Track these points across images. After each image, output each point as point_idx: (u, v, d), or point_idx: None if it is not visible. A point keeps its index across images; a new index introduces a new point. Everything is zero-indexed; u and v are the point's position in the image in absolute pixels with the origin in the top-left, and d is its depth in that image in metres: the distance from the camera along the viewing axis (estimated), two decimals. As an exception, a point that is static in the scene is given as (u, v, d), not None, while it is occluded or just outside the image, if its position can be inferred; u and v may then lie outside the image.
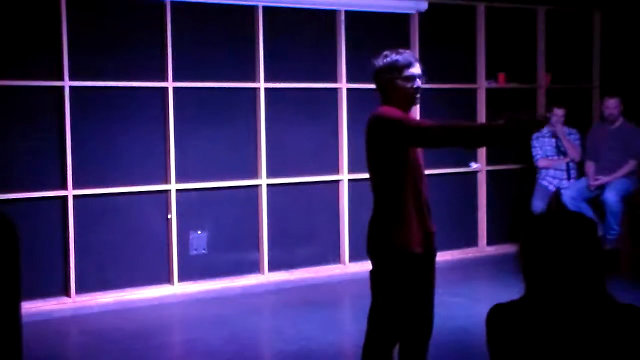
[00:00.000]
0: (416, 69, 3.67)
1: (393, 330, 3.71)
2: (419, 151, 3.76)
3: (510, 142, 3.61)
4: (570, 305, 2.10)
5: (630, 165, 7.24)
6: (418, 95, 3.71)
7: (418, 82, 3.68)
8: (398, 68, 3.64)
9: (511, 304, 2.21)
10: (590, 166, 7.43)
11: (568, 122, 7.74)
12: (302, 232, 7.15)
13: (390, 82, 3.65)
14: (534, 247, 2.15)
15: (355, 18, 7.27)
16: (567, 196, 7.35)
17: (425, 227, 3.74)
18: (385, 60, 3.66)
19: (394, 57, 3.66)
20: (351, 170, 7.15)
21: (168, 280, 6.59)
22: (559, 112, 7.64)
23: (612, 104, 7.42)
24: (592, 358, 2.07)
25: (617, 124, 7.43)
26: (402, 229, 3.63)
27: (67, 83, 6.13)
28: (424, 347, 3.75)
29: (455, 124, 3.67)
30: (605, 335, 2.08)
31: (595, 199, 7.27)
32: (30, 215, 6.04)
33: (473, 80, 7.99)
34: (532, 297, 2.15)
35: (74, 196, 6.20)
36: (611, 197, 7.03)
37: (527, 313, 2.14)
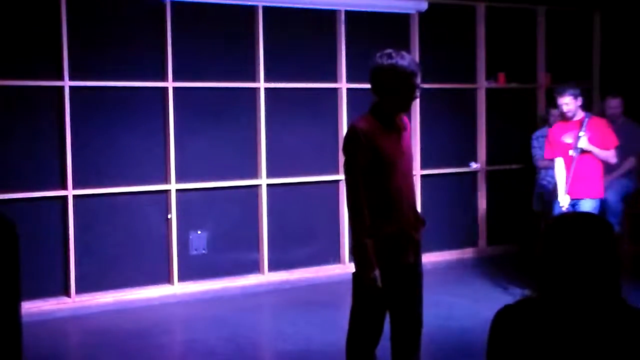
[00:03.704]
0: (419, 79, 3.61)
1: (369, 331, 3.70)
2: (406, 157, 3.69)
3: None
4: (584, 309, 2.08)
5: (629, 162, 7.24)
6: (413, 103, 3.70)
7: (417, 92, 3.65)
8: (404, 75, 3.55)
9: (520, 306, 2.19)
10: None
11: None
12: (302, 232, 7.15)
13: (392, 86, 3.57)
14: (554, 250, 2.13)
15: (355, 18, 7.27)
16: None
17: (402, 232, 3.64)
18: (390, 62, 3.55)
19: (399, 61, 3.55)
20: (351, 170, 7.15)
21: (168, 280, 6.59)
22: (555, 113, 7.64)
23: (614, 104, 7.44)
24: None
25: (619, 123, 7.44)
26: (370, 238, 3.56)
27: (67, 83, 6.13)
28: (413, 347, 3.73)
29: (358, 214, 3.53)
30: (616, 339, 2.06)
31: None
32: (30, 215, 6.04)
33: (473, 80, 7.99)
34: (545, 300, 2.13)
35: (74, 196, 6.20)
36: (611, 197, 7.03)
37: (538, 315, 2.12)
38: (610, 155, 6.25)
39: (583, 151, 6.11)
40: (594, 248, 2.10)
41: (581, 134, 6.10)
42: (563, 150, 6.22)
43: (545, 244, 2.15)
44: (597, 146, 6.15)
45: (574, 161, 6.10)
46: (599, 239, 2.11)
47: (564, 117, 6.30)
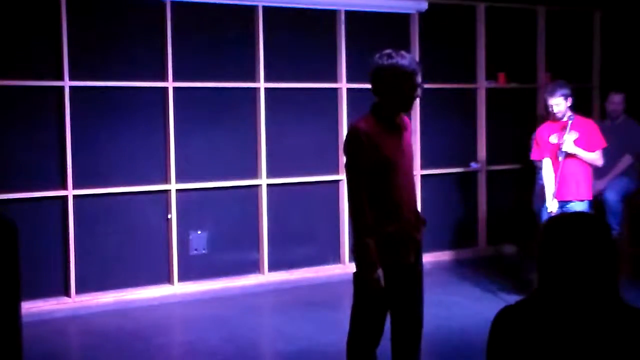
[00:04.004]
0: (420, 78, 3.61)
1: (370, 331, 3.70)
2: (407, 157, 3.69)
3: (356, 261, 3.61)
4: (583, 308, 2.08)
5: (626, 160, 7.20)
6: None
7: (419, 92, 3.65)
8: (405, 74, 3.55)
9: (520, 306, 2.19)
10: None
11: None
12: (302, 232, 7.15)
13: (393, 85, 3.56)
14: (550, 249, 2.13)
15: (355, 18, 7.27)
16: None
17: (403, 232, 3.64)
18: (390, 61, 3.55)
19: (400, 61, 3.55)
20: (351, 170, 7.14)
21: (168, 280, 6.59)
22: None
23: (617, 100, 7.42)
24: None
25: (619, 120, 7.43)
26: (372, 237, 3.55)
27: (67, 83, 6.13)
28: (413, 347, 3.72)
29: (361, 214, 3.52)
30: (615, 339, 2.06)
31: (595, 199, 7.25)
32: (30, 215, 6.04)
33: (473, 80, 7.99)
34: (544, 298, 2.14)
35: (74, 196, 6.20)
36: (612, 196, 7.02)
37: (537, 316, 2.13)
38: (597, 158, 6.10)
39: (568, 154, 5.97)
40: (591, 247, 2.10)
41: (566, 136, 5.96)
42: (550, 151, 6.10)
43: (543, 244, 2.16)
44: (584, 148, 6.03)
45: (560, 164, 5.94)
46: (595, 238, 2.11)
47: (554, 117, 6.14)
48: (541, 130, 6.30)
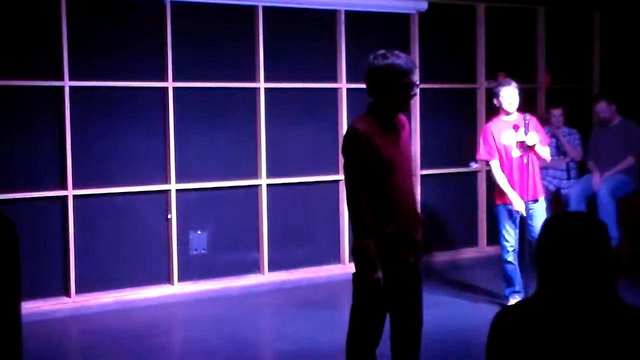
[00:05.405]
0: (415, 76, 3.61)
1: (370, 332, 3.70)
2: (405, 157, 3.69)
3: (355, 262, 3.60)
4: (580, 307, 2.09)
5: (628, 161, 7.19)
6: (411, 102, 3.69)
7: (415, 90, 3.65)
8: (401, 73, 3.55)
9: (519, 307, 2.19)
10: (592, 165, 7.41)
11: (568, 122, 7.74)
12: (302, 232, 7.15)
13: (389, 85, 3.56)
14: (548, 248, 2.14)
15: (355, 18, 7.27)
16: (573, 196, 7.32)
17: (403, 232, 3.63)
18: (385, 62, 3.55)
19: (395, 60, 3.55)
20: (351, 170, 7.14)
21: (168, 280, 6.59)
22: (556, 113, 7.64)
23: (600, 109, 7.39)
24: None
25: (615, 122, 7.41)
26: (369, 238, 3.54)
27: (67, 83, 6.13)
28: (413, 347, 3.72)
29: (360, 215, 3.51)
30: (614, 339, 2.06)
31: (589, 197, 7.24)
32: (30, 215, 6.04)
33: (473, 80, 7.99)
34: (542, 299, 2.14)
35: (74, 196, 6.20)
36: (602, 190, 7.01)
37: (536, 316, 2.13)
38: (549, 152, 5.99)
39: (528, 149, 5.69)
40: (589, 247, 2.10)
41: (526, 137, 5.68)
42: (500, 151, 5.83)
43: (541, 245, 2.16)
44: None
45: (515, 161, 5.74)
46: (593, 238, 2.11)
47: (507, 111, 5.86)
48: (491, 127, 5.98)
